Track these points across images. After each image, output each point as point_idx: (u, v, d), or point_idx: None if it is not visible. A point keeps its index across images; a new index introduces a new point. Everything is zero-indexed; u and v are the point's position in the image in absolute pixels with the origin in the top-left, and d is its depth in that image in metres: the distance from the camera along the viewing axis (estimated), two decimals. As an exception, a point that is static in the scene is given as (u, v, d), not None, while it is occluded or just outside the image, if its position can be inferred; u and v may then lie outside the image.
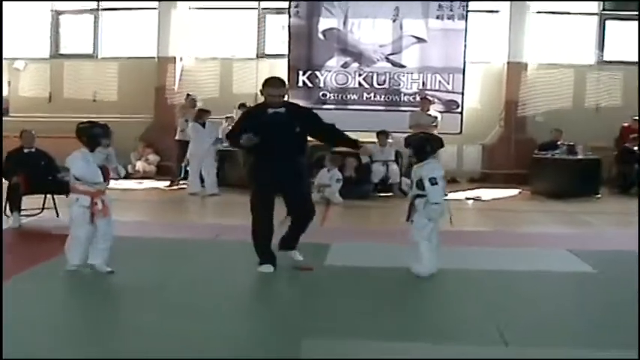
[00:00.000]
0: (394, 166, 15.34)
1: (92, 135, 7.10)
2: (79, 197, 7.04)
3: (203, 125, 14.85)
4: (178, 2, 19.10)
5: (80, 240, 7.03)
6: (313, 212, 7.83)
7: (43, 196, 10.59)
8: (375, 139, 15.59)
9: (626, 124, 17.74)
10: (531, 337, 5.54)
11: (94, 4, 19.75)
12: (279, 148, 7.37)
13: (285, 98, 7.88)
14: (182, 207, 13.50)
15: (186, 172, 16.26)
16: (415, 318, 5.99)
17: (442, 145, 7.82)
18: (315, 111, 8.27)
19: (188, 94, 17.03)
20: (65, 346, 5.03)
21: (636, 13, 18.44)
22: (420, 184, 7.33)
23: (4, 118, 15.49)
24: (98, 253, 7.13)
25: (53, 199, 10.55)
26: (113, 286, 6.85)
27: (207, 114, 15.16)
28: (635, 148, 16.21)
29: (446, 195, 7.57)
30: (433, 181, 7.22)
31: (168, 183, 16.24)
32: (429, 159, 7.46)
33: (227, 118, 16.82)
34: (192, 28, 19.46)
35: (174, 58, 19.09)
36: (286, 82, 7.98)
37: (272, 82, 7.68)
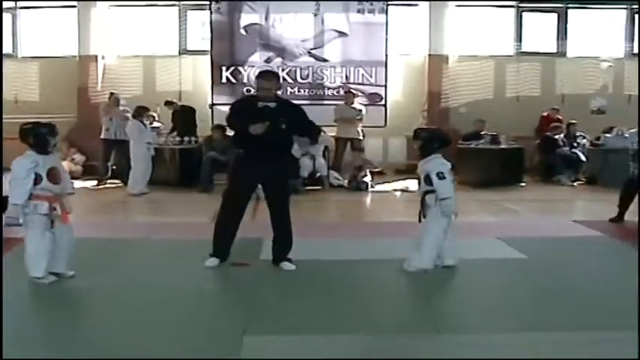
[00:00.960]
0: (321, 160, 15.42)
1: (38, 134, 6.68)
2: (37, 204, 6.66)
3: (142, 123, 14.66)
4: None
5: (40, 250, 6.68)
6: (288, 224, 7.67)
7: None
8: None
9: (545, 114, 18.19)
10: (467, 324, 5.66)
11: (11, 3, 19.20)
12: (263, 143, 7.13)
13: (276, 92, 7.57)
14: (112, 206, 13.29)
15: (113, 170, 16.14)
16: (351, 310, 5.99)
17: (450, 143, 7.74)
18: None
19: (111, 93, 16.70)
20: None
21: (551, 5, 19.00)
22: (427, 180, 7.27)
23: None
24: (61, 261, 6.87)
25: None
26: (47, 288, 6.64)
27: (147, 111, 14.99)
28: (557, 136, 16.58)
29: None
30: (441, 176, 7.17)
31: (95, 182, 16.00)
32: (434, 155, 7.40)
33: (150, 115, 16.68)
34: (112, 26, 19.18)
35: (96, 56, 18.79)
36: (279, 76, 7.76)
37: (261, 75, 7.59)
